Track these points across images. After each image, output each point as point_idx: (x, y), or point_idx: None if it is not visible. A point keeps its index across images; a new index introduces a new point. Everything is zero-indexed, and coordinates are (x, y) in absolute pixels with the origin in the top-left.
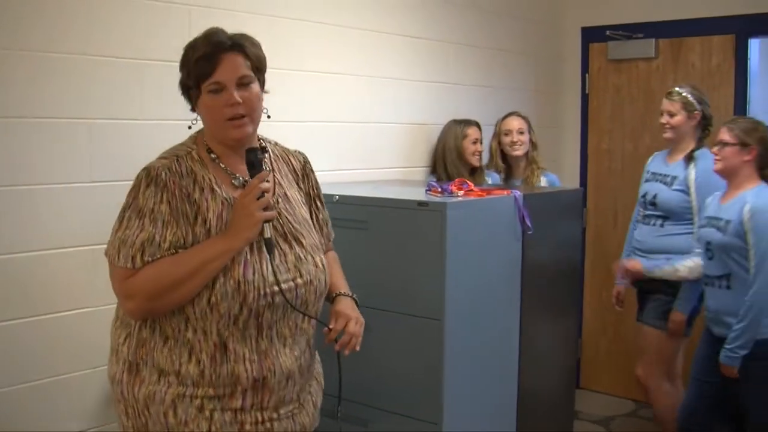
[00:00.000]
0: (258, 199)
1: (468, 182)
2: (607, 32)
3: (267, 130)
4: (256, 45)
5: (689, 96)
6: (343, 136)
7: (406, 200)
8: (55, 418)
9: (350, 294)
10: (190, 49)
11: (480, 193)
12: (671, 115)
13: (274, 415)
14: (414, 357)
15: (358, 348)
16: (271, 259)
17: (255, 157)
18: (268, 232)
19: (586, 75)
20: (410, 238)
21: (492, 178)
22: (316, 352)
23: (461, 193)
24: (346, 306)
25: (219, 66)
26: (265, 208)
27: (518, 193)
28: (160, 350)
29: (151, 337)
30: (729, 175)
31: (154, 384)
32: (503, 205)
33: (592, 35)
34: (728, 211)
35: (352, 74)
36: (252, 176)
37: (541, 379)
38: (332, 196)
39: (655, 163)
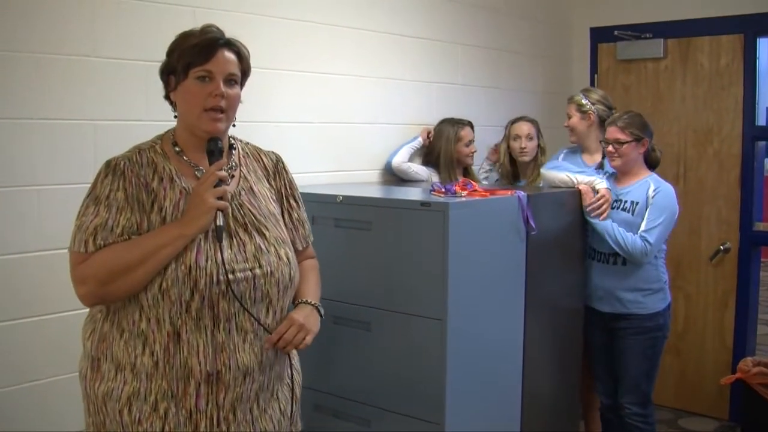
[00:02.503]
0: (215, 187)
1: (472, 183)
2: (616, 32)
3: (275, 131)
4: (248, 52)
5: (582, 99)
6: (351, 137)
7: (409, 200)
8: (54, 419)
9: (313, 303)
10: (186, 36)
11: (483, 193)
12: (568, 117)
13: (231, 416)
14: (417, 357)
15: (288, 349)
16: (221, 246)
17: (215, 145)
18: (221, 219)
19: (595, 75)
20: (413, 238)
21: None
22: (294, 360)
23: (465, 193)
24: (298, 312)
25: (214, 57)
26: (221, 198)
27: (522, 194)
28: (117, 343)
29: (110, 331)
30: (627, 168)
31: (112, 380)
32: (507, 206)
33: (600, 35)
34: (633, 194)
35: (359, 75)
36: (211, 164)
37: (546, 379)
38: (336, 196)
39: (569, 160)
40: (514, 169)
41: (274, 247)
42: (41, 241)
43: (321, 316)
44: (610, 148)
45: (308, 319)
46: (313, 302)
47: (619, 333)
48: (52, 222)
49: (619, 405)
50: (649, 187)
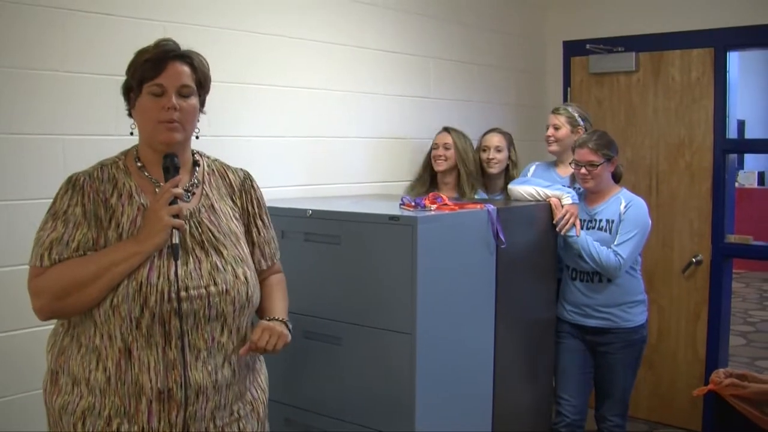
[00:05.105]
0: (170, 204)
1: (442, 196)
2: (588, 46)
3: (245, 145)
4: (205, 63)
5: (574, 112)
6: (321, 151)
7: (378, 215)
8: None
9: (281, 319)
10: (140, 52)
11: (453, 207)
12: (557, 128)
13: None
14: (387, 371)
15: (261, 350)
16: (176, 265)
17: (171, 162)
18: (176, 238)
19: (568, 89)
20: (382, 252)
21: (479, 194)
22: (261, 379)
23: (434, 207)
24: (268, 322)
25: (165, 70)
26: (177, 216)
27: (492, 207)
28: (75, 357)
29: (69, 345)
30: (599, 188)
31: (69, 394)
32: (476, 219)
33: (573, 49)
34: (606, 212)
35: (331, 89)
36: (166, 181)
37: (517, 392)
38: (305, 210)
39: (541, 174)
40: (484, 181)
41: (231, 266)
42: (9, 256)
43: (290, 331)
44: (583, 170)
45: (277, 328)
46: (281, 318)
47: (604, 347)
48: (20, 237)
49: (599, 417)
50: (621, 203)
